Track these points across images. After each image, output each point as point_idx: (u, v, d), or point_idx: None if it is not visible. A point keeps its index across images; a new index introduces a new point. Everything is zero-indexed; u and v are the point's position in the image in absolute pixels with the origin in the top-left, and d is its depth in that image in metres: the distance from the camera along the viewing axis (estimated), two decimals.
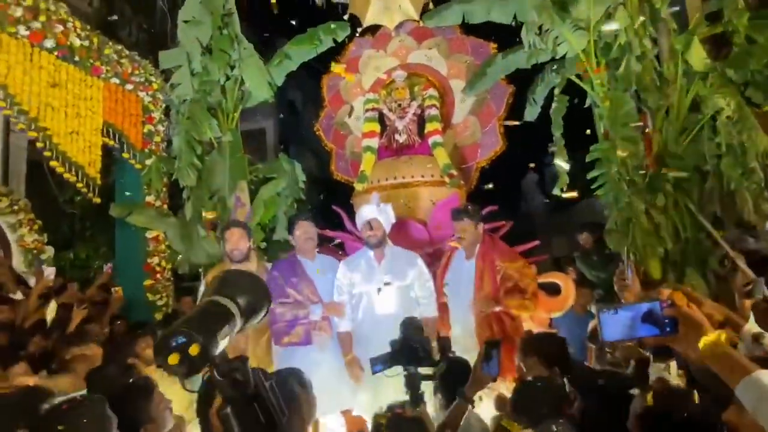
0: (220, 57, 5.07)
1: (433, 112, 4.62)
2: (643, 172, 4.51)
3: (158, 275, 5.19)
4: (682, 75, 4.42)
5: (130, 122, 5.31)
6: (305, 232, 3.49)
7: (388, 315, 3.23)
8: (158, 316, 4.98)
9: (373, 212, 3.41)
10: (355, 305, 3.44)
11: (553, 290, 4.46)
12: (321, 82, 5.31)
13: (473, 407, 2.13)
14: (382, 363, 2.15)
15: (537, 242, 4.49)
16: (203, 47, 5.07)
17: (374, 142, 4.66)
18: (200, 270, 5.09)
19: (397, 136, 4.65)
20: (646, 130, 4.58)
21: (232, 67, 5.16)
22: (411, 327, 2.26)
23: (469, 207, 3.78)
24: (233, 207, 5.28)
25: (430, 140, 4.57)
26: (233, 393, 0.98)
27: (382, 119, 4.79)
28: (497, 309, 3.39)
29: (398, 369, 2.20)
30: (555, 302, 4.45)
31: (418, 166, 4.51)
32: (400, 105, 4.70)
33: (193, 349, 0.92)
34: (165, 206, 5.52)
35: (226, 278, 1.10)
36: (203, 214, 5.18)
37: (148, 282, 5.09)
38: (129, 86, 5.27)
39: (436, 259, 4.13)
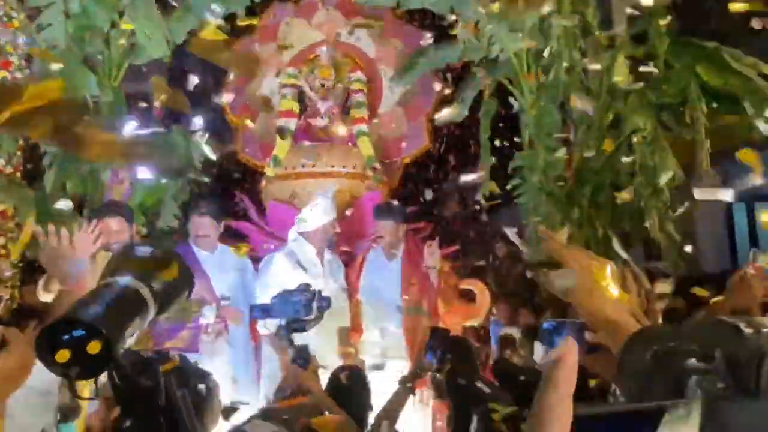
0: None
1: (360, 98, 4.24)
2: (562, 184, 4.54)
3: (2, 259, 4.19)
4: (606, 92, 4.49)
5: None
6: (198, 228, 3.10)
7: None
8: None
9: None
10: None
11: (468, 297, 4.35)
12: (230, 47, 4.62)
13: (414, 395, 2.19)
14: (262, 311, 2.23)
15: (457, 247, 4.34)
16: None
17: (291, 123, 4.15)
18: None
19: (318, 120, 4.17)
20: (569, 143, 4.61)
21: (121, 14, 4.31)
22: (304, 288, 2.28)
23: (393, 205, 3.62)
24: (108, 183, 4.45)
25: (355, 128, 4.18)
26: (137, 403, 0.81)
27: (300, 99, 4.29)
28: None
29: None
30: (470, 310, 4.33)
31: (339, 155, 4.09)
32: (323, 85, 4.23)
33: (93, 346, 0.73)
34: (18, 174, 4.49)
35: (134, 254, 0.91)
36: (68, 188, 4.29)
37: None
38: None
39: (351, 258, 3.82)
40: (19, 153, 4.44)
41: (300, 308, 2.12)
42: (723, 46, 4.29)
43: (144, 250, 0.93)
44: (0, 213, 4.19)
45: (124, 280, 0.82)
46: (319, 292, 2.26)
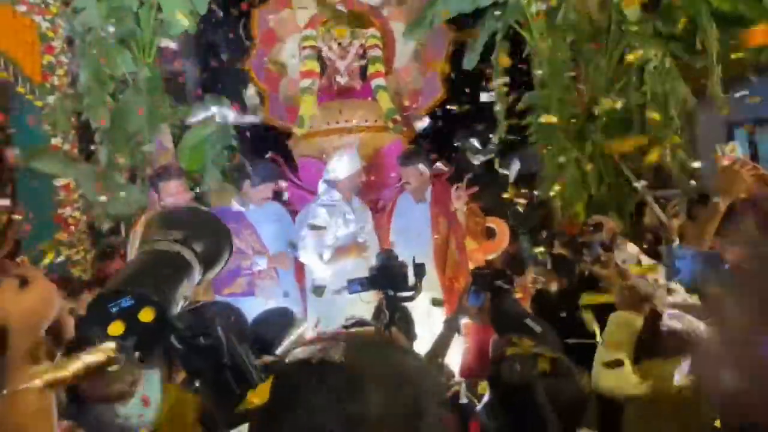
0: None
1: (376, 53, 4.43)
2: (574, 120, 4.72)
3: (71, 227, 4.69)
4: (615, 25, 4.57)
5: (24, 51, 4.58)
6: (265, 192, 3.43)
7: None
8: (76, 272, 4.52)
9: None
10: None
11: (488, 234, 4.67)
12: (250, 16, 4.87)
13: (460, 335, 2.21)
14: (361, 285, 2.18)
15: (476, 188, 4.59)
16: None
17: (313, 83, 4.40)
18: (121, 223, 4.68)
19: (338, 78, 4.42)
20: (580, 80, 4.74)
21: None
22: (389, 256, 2.29)
23: (416, 152, 3.79)
24: (155, 152, 4.86)
25: (373, 83, 4.40)
26: (202, 364, 0.78)
27: (320, 59, 4.52)
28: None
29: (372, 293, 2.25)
30: (490, 245, 4.66)
31: (360, 110, 4.34)
32: (340, 44, 4.45)
33: (145, 314, 0.70)
34: (75, 150, 4.94)
35: (173, 218, 0.87)
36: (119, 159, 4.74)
37: (60, 235, 4.59)
38: (21, 8, 4.52)
39: (379, 204, 4.13)
40: (73, 132, 4.88)
41: (402, 280, 2.08)
42: None
43: (181, 213, 0.92)
44: (64, 187, 4.67)
45: (166, 244, 0.79)
46: (413, 259, 2.24)
